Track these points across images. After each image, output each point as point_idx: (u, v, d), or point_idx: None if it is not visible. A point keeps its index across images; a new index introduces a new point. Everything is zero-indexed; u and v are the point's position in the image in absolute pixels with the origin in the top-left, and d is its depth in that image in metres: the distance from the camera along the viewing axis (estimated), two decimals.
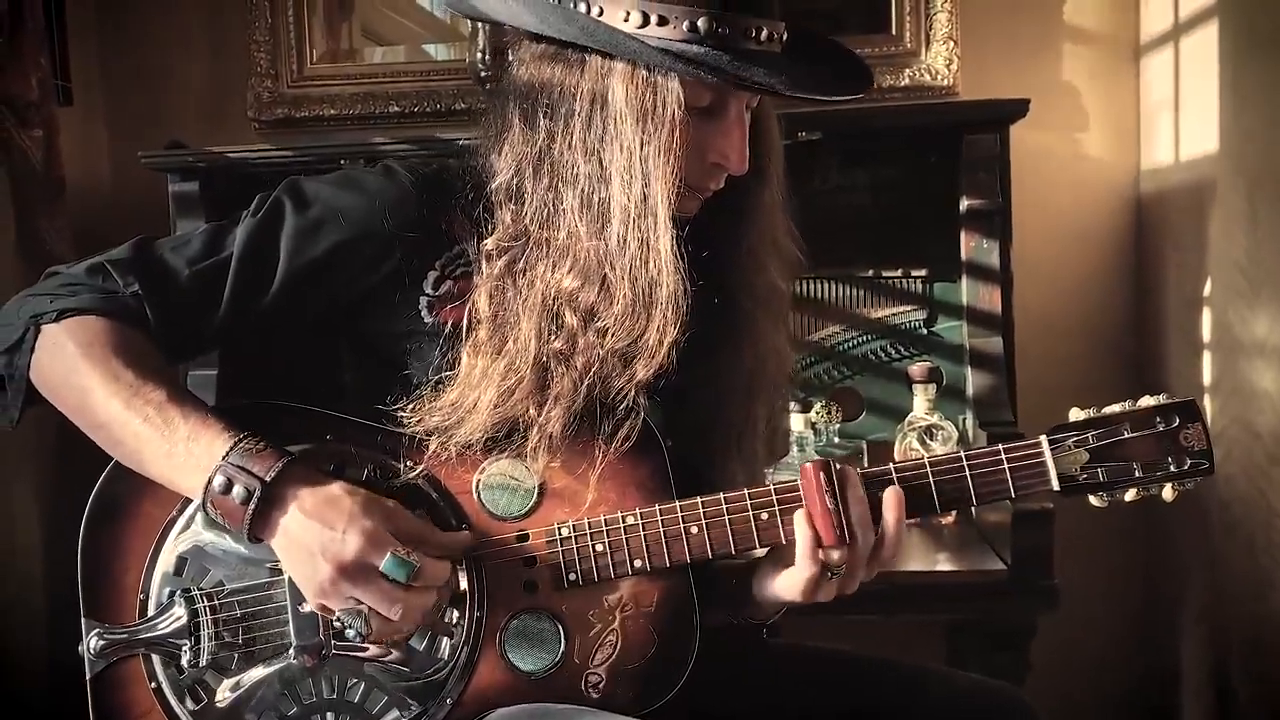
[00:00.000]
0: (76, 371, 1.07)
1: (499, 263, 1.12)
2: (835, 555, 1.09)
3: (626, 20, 1.07)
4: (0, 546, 1.94)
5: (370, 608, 1.04)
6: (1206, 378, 1.96)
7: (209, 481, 1.04)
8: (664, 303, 1.07)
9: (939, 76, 2.18)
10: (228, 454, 1.04)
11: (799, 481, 1.10)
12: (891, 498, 1.09)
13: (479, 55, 2.11)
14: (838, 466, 1.09)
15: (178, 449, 1.05)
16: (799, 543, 1.09)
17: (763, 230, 1.21)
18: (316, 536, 1.03)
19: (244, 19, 2.28)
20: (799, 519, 1.09)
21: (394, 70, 2.31)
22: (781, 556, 1.13)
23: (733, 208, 1.18)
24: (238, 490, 1.03)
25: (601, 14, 1.07)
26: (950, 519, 1.81)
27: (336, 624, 1.06)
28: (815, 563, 1.09)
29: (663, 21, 1.06)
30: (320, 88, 2.30)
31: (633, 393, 1.10)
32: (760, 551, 1.16)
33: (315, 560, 1.03)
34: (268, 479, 1.03)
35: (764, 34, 1.09)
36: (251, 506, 1.03)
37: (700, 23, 1.06)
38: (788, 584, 1.12)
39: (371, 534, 1.03)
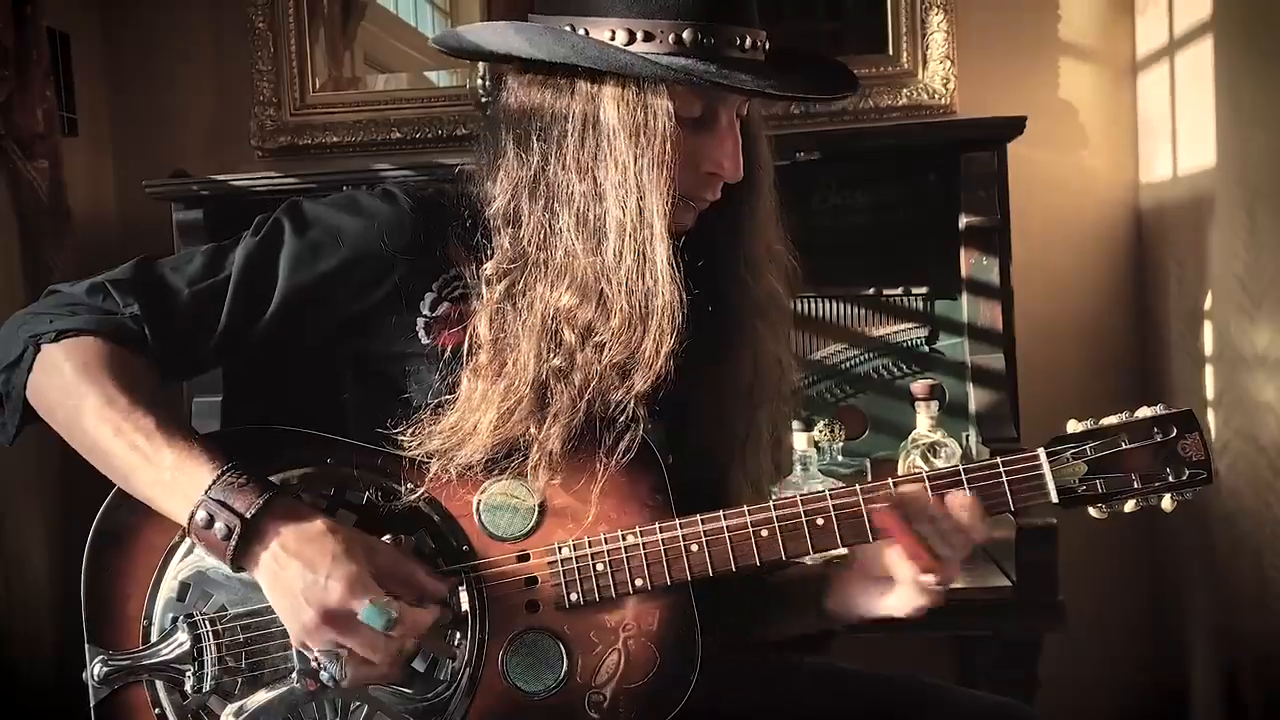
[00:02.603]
0: (72, 393, 1.08)
1: (499, 287, 1.13)
2: (936, 575, 1.10)
3: (613, 39, 1.08)
4: (8, 572, 1.94)
5: (351, 650, 1.04)
6: (1209, 391, 1.96)
7: (192, 515, 1.04)
8: (660, 313, 1.08)
9: (936, 96, 2.20)
10: (210, 487, 1.04)
11: (870, 524, 1.10)
12: (967, 507, 1.09)
13: (479, 81, 2.13)
14: (903, 496, 1.09)
15: (164, 477, 1.05)
16: (903, 580, 1.11)
17: (758, 239, 1.22)
18: (299, 578, 1.03)
19: (247, 48, 2.31)
20: (895, 559, 1.10)
21: (396, 97, 2.34)
22: (870, 572, 1.15)
23: (727, 218, 1.19)
24: (219, 526, 1.03)
25: (588, 36, 1.09)
26: None
27: (313, 664, 1.05)
28: (923, 590, 1.11)
29: (649, 37, 1.08)
30: (323, 115, 2.33)
31: (632, 405, 1.10)
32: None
33: (297, 601, 1.03)
34: (248, 515, 1.03)
35: (748, 42, 1.11)
36: (232, 543, 1.03)
37: (686, 35, 1.08)
38: (897, 605, 1.14)
39: (354, 579, 1.03)
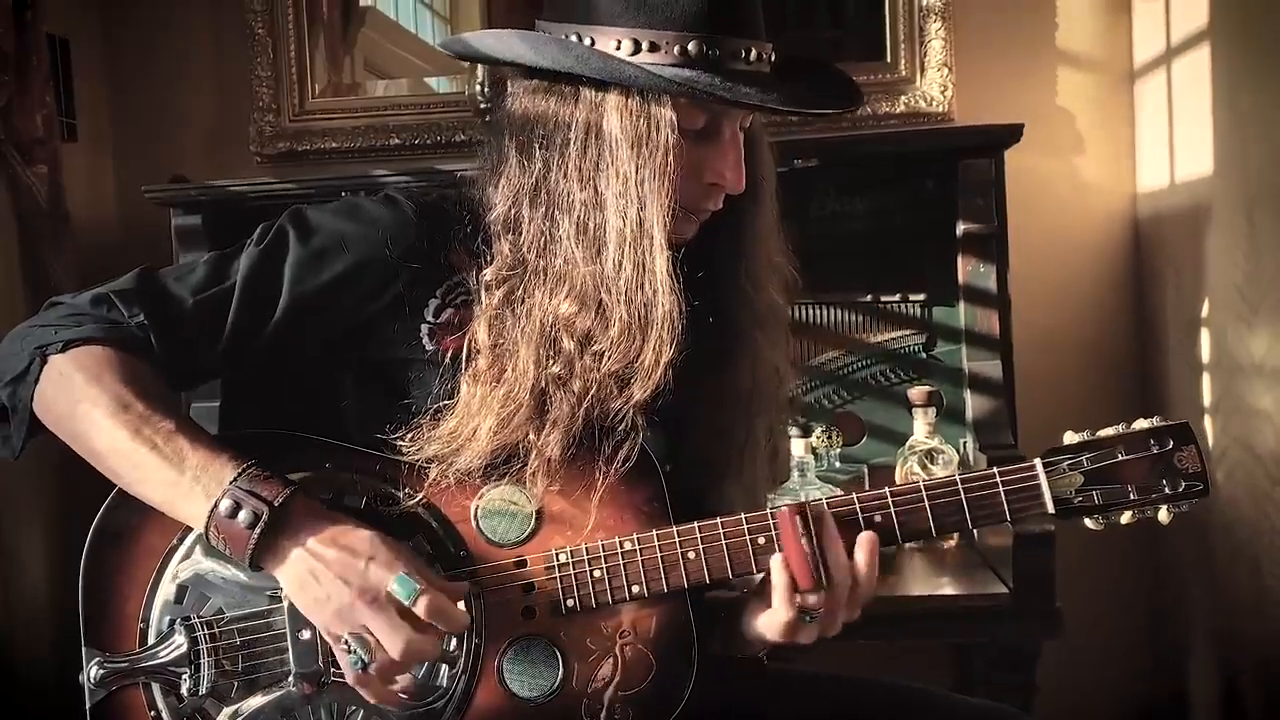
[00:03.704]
0: (83, 401, 1.07)
1: (498, 293, 1.13)
2: (812, 599, 1.08)
3: (618, 49, 1.08)
4: (7, 572, 1.95)
5: (373, 634, 1.04)
6: (1207, 398, 1.96)
7: (215, 505, 1.04)
8: (659, 323, 1.08)
9: (934, 103, 2.20)
10: (236, 478, 1.04)
11: (773, 524, 1.09)
12: (864, 542, 1.08)
13: (479, 88, 2.14)
14: (813, 508, 1.09)
15: (185, 478, 1.05)
16: (776, 588, 1.09)
17: (759, 249, 1.22)
18: (337, 561, 1.04)
19: (246, 54, 2.31)
20: (775, 563, 1.09)
21: (395, 103, 2.34)
22: (764, 594, 1.13)
23: (729, 228, 1.20)
24: (244, 514, 1.03)
25: (593, 44, 1.09)
26: (952, 542, 1.81)
27: (342, 648, 1.05)
28: (792, 607, 1.08)
29: (654, 48, 1.08)
30: (322, 121, 2.33)
31: (631, 414, 1.10)
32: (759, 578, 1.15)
33: (336, 585, 1.04)
34: (276, 503, 1.04)
35: (753, 54, 1.11)
36: (258, 530, 1.03)
37: (691, 47, 1.08)
38: (767, 624, 1.12)
39: (392, 564, 1.04)
